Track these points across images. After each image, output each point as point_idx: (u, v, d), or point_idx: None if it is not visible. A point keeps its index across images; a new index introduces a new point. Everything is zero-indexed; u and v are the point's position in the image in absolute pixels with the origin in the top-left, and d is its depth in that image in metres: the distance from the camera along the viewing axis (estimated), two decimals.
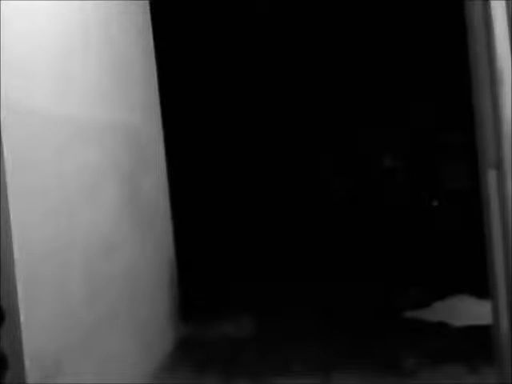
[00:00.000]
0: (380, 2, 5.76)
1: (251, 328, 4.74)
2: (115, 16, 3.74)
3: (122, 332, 3.26)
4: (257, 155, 6.20)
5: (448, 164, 5.72)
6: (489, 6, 2.34)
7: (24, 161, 2.29)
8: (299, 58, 6.11)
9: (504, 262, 2.54)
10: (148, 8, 4.57)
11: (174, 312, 4.53)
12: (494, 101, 2.41)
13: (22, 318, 2.17)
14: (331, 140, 6.16)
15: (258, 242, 6.04)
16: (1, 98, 2.12)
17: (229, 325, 4.84)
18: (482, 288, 3.07)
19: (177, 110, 5.52)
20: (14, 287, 2.15)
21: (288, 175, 6.20)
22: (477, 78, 2.51)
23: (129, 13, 4.10)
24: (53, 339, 2.41)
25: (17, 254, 2.16)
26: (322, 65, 6.08)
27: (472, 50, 2.52)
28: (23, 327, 2.17)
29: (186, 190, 5.64)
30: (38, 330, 2.28)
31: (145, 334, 3.68)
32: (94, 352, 2.83)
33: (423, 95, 5.87)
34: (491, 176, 2.50)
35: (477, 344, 3.72)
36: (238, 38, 6.02)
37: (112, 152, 3.38)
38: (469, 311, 4.62)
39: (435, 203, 5.57)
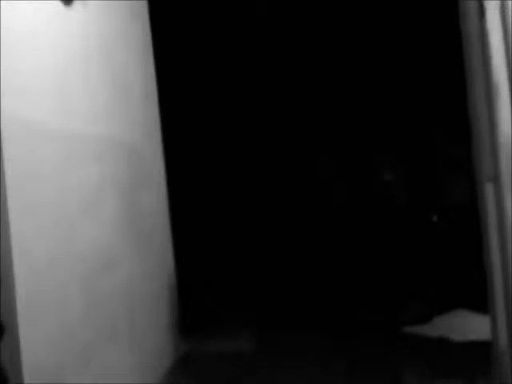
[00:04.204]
0: (380, 10, 5.78)
1: (252, 343, 4.72)
2: (116, 33, 3.77)
3: (120, 347, 3.25)
4: (258, 169, 6.20)
5: (448, 178, 5.73)
6: (484, 21, 2.36)
7: (24, 176, 2.30)
8: (300, 60, 6.11)
9: (502, 275, 2.54)
10: (148, 24, 4.60)
11: (174, 328, 4.51)
12: (491, 114, 2.42)
13: (21, 333, 2.16)
14: (333, 148, 6.17)
15: (259, 252, 6.03)
16: (1, 114, 2.13)
17: (229, 340, 4.82)
18: (481, 302, 3.06)
19: (177, 126, 5.53)
20: (14, 301, 2.14)
21: (288, 181, 6.20)
22: (473, 92, 2.52)
23: (130, 30, 4.13)
24: (52, 354, 2.41)
25: (16, 269, 2.16)
26: (323, 68, 6.08)
27: (468, 64, 2.54)
28: (22, 342, 2.16)
29: (186, 206, 5.65)
30: (37, 345, 2.28)
31: (144, 350, 3.66)
32: (92, 367, 2.82)
33: (423, 108, 5.89)
34: (488, 189, 2.51)
35: (477, 359, 3.70)
36: (237, 48, 6.04)
37: (112, 168, 3.39)
38: (469, 326, 4.60)
39: (435, 218, 5.56)
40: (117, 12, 3.83)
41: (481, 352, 3.24)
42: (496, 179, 2.47)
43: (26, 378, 2.17)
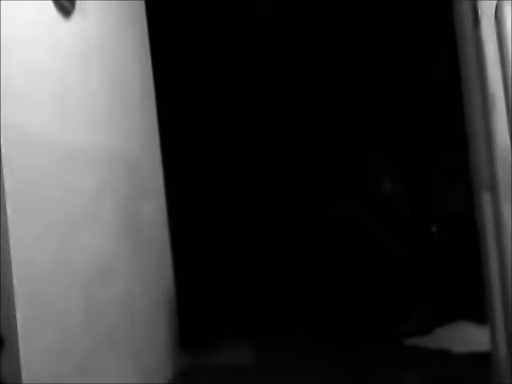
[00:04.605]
0: (381, 14, 5.80)
1: (252, 355, 4.71)
2: (115, 42, 3.79)
3: (119, 359, 3.24)
4: (258, 182, 6.21)
5: (447, 189, 5.73)
6: (479, 32, 2.38)
7: (23, 186, 2.30)
8: (299, 59, 6.11)
9: (501, 285, 2.54)
10: (146, 28, 4.63)
11: (173, 339, 4.50)
12: (487, 125, 2.44)
13: (20, 344, 2.15)
14: (331, 155, 6.17)
15: (260, 263, 6.03)
16: (1, 123, 2.14)
17: (229, 352, 4.81)
18: (483, 313, 3.06)
19: (176, 135, 5.55)
20: (13, 312, 2.14)
21: (288, 195, 6.20)
22: (469, 103, 2.54)
23: (128, 39, 4.15)
24: (51, 365, 2.40)
25: (15, 279, 2.16)
26: (322, 65, 6.08)
27: (464, 76, 2.55)
28: (22, 353, 2.16)
29: (185, 216, 5.65)
30: (36, 356, 2.27)
31: (143, 362, 3.65)
32: (92, 378, 2.81)
33: (422, 119, 5.90)
34: (485, 199, 2.52)
35: (478, 370, 3.69)
36: (239, 55, 6.05)
37: (111, 177, 3.40)
38: (470, 337, 4.59)
39: (434, 229, 5.56)
40: (115, 19, 3.85)
41: (481, 363, 3.22)
42: (493, 189, 2.48)
43: None
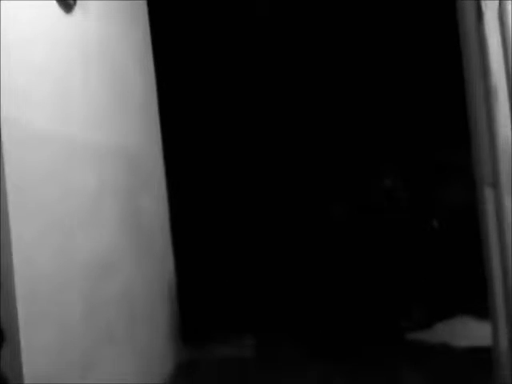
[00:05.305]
0: (379, 13, 5.79)
1: (252, 350, 4.72)
2: (116, 38, 3.78)
3: (120, 354, 3.25)
4: (258, 177, 6.20)
5: (448, 183, 5.72)
6: (482, 24, 2.37)
7: (24, 182, 2.30)
8: (298, 61, 6.10)
9: (503, 279, 2.53)
10: (148, 29, 4.62)
11: (174, 334, 4.50)
12: (489, 118, 2.43)
13: (21, 340, 2.16)
14: (330, 155, 6.16)
15: (260, 257, 6.02)
16: (1, 121, 2.13)
17: (230, 346, 4.81)
18: (483, 308, 3.05)
19: (177, 129, 5.54)
20: (15, 310, 2.14)
21: (288, 193, 6.19)
22: (472, 96, 2.53)
23: (130, 35, 4.14)
24: (52, 361, 2.41)
25: (17, 277, 2.16)
26: (318, 63, 6.07)
27: (466, 68, 2.54)
28: (23, 349, 2.16)
29: (186, 210, 5.65)
30: (37, 352, 2.27)
31: (144, 357, 3.65)
32: (93, 373, 2.81)
33: (422, 114, 5.89)
34: (487, 193, 2.51)
35: (478, 365, 3.69)
36: (239, 52, 6.04)
37: (112, 172, 3.40)
38: (471, 332, 4.59)
39: (435, 224, 5.55)
40: (117, 17, 3.84)
41: (482, 358, 3.22)
42: (495, 183, 2.47)
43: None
